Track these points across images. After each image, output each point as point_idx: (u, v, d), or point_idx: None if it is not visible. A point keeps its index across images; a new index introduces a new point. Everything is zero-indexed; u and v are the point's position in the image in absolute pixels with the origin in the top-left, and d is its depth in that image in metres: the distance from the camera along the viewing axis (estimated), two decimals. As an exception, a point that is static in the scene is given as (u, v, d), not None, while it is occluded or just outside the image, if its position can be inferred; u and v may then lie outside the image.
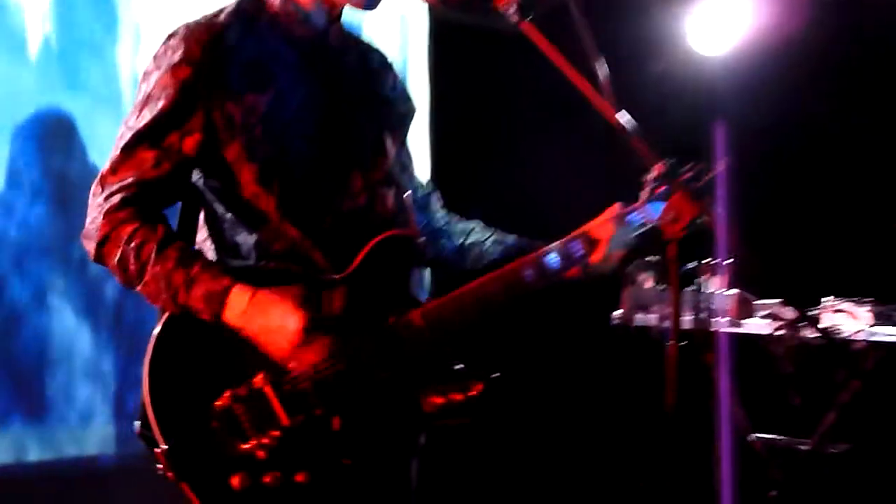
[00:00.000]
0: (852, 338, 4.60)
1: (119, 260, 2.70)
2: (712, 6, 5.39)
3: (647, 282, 4.88)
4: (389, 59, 3.07)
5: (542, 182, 5.43)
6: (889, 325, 4.60)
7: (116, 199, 2.70)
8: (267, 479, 2.65)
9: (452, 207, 3.19)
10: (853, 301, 4.65)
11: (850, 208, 5.49)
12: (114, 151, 2.75)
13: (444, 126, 5.94)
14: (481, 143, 5.99)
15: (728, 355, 4.45)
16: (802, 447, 4.73)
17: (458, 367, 2.74)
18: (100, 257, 2.75)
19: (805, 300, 4.73)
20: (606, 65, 2.53)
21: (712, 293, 4.65)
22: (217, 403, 2.64)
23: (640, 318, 4.89)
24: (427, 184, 3.17)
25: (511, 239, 3.01)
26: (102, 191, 2.73)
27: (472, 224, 3.08)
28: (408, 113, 3.05)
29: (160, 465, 2.63)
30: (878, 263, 5.11)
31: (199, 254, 2.76)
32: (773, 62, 5.41)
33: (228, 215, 2.81)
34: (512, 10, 2.59)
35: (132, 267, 2.69)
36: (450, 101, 5.96)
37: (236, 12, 2.80)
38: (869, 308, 4.61)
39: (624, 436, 5.52)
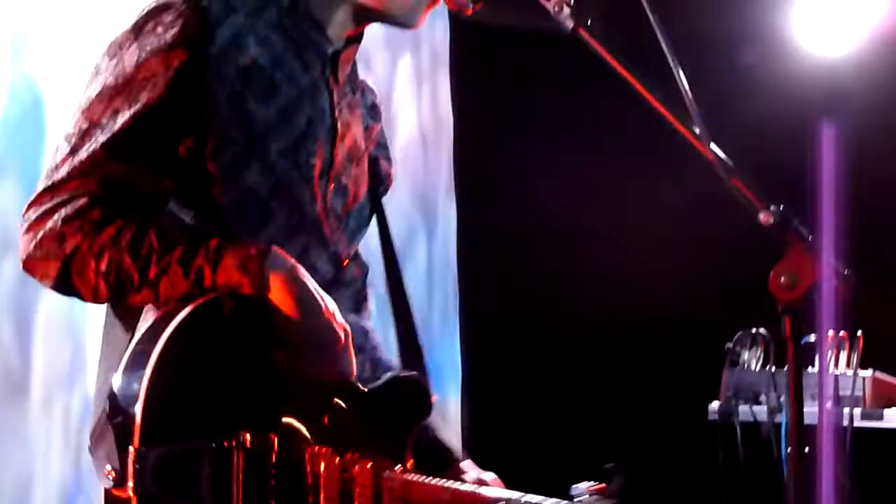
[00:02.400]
0: None
1: (107, 270, 2.40)
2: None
3: (753, 361, 4.57)
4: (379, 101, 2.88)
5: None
6: None
7: (80, 202, 2.39)
8: None
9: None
10: None
11: None
12: (67, 153, 2.41)
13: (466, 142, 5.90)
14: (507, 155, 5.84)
15: (846, 457, 4.23)
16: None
17: None
18: (67, 278, 2.41)
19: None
20: (682, 71, 2.21)
21: (840, 375, 4.39)
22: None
23: (746, 411, 4.56)
24: None
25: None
26: (52, 199, 2.39)
27: None
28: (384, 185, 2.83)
29: (112, 471, 2.29)
30: None
31: (214, 233, 2.50)
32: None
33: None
34: (565, 10, 2.32)
35: (130, 271, 2.40)
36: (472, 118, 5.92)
37: None
38: None
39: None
